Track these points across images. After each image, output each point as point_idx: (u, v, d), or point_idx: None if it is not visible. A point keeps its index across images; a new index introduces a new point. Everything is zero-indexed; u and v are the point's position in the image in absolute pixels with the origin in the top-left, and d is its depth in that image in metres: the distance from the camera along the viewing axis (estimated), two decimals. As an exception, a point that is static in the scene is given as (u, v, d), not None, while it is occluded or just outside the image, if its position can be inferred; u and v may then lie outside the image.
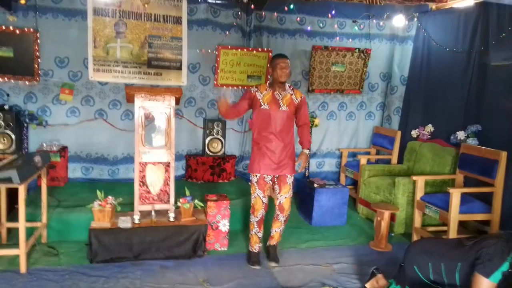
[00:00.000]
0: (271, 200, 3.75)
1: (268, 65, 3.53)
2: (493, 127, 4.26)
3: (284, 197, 3.57)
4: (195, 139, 5.44)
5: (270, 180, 3.56)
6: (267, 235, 3.78)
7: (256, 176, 3.54)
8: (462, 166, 4.21)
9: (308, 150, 3.62)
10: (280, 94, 3.50)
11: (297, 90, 3.61)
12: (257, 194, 3.56)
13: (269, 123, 3.46)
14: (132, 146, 4.23)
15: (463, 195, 3.78)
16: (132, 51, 4.97)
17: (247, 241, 4.07)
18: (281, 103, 3.48)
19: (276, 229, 3.68)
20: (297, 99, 3.54)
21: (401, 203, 4.37)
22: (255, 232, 3.62)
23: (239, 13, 5.24)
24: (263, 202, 3.57)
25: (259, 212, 3.59)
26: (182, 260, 3.60)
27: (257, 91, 3.52)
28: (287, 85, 3.56)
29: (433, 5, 5.27)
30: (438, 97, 5.04)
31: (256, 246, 3.65)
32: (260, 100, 3.48)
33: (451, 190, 3.68)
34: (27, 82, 4.70)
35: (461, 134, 4.49)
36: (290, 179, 3.57)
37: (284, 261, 3.68)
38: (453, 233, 3.70)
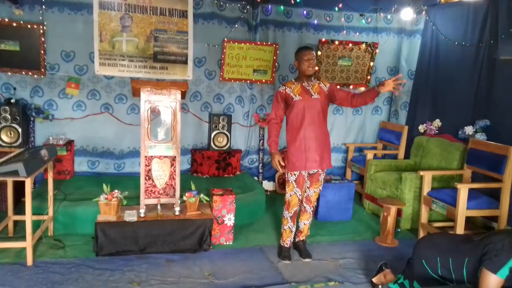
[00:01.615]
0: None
1: (295, 59, 3.47)
2: (502, 122, 4.21)
3: (314, 191, 3.57)
4: (200, 134, 5.44)
5: (304, 175, 3.51)
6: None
7: (295, 174, 3.47)
8: (470, 161, 4.17)
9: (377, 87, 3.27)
10: (309, 85, 3.45)
11: (323, 79, 3.55)
12: (295, 192, 3.51)
13: (304, 115, 3.40)
14: (138, 140, 4.23)
15: (471, 191, 3.74)
16: (138, 45, 4.96)
17: (253, 236, 4.08)
18: (312, 92, 3.43)
19: (305, 222, 3.67)
20: (326, 86, 3.49)
21: (407, 198, 4.34)
22: (289, 227, 3.62)
23: (245, 6, 5.20)
24: (299, 199, 3.55)
25: (294, 208, 3.56)
26: (187, 254, 3.60)
27: (286, 88, 3.47)
28: (312, 77, 3.51)
29: (441, -2, 5.21)
30: (446, 91, 4.99)
31: (288, 241, 3.64)
32: (291, 94, 3.43)
33: (458, 186, 3.64)
34: (33, 76, 4.72)
35: (469, 129, 4.44)
36: (322, 175, 3.55)
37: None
38: (460, 229, 3.66)
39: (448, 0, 5.13)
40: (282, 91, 3.48)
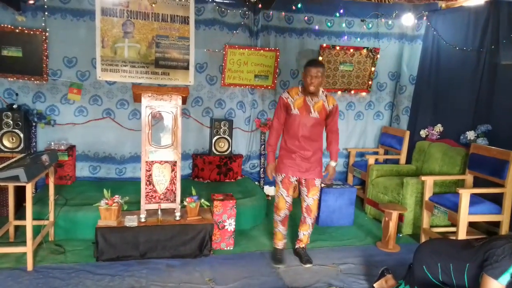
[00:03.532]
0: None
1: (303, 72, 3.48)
2: (504, 127, 4.20)
3: (312, 199, 3.56)
4: (202, 139, 5.44)
5: (296, 180, 3.55)
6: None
7: (281, 175, 3.52)
8: (471, 166, 4.15)
9: (335, 163, 3.58)
10: (312, 100, 3.43)
11: (330, 97, 3.52)
12: (281, 194, 3.55)
13: (298, 129, 3.43)
14: (139, 145, 4.24)
15: (473, 196, 3.73)
16: (140, 51, 4.98)
17: (253, 241, 4.06)
18: (312, 109, 3.42)
19: (304, 232, 3.68)
20: (329, 106, 3.47)
21: (409, 203, 4.32)
22: (279, 230, 3.64)
23: (247, 12, 5.23)
24: (286, 202, 3.55)
25: (282, 211, 3.58)
26: (188, 259, 3.59)
27: (288, 97, 3.46)
28: (321, 90, 3.48)
29: (442, 4, 5.21)
30: (448, 96, 4.98)
31: (280, 243, 3.66)
32: (291, 105, 3.43)
33: (460, 191, 3.63)
34: (35, 82, 4.74)
35: (471, 134, 4.43)
36: (318, 182, 3.56)
37: (290, 261, 3.66)
38: (462, 234, 3.64)
39: (449, 5, 5.14)
40: (285, 99, 3.48)
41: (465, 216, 3.64)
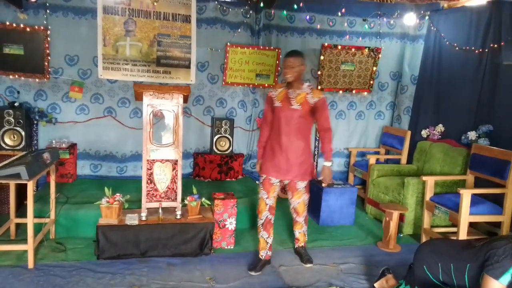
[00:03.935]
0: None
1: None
2: (505, 127, 4.19)
3: (297, 202, 3.50)
4: (203, 138, 5.45)
5: (278, 183, 3.43)
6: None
7: (263, 176, 3.46)
8: (473, 166, 4.15)
9: (330, 163, 3.36)
10: (294, 92, 3.29)
11: (317, 90, 3.36)
12: (261, 196, 3.47)
13: (280, 123, 3.29)
14: (140, 143, 4.23)
15: (474, 196, 3.72)
16: (141, 50, 4.98)
17: (254, 240, 4.06)
18: (293, 101, 3.27)
19: (299, 230, 3.65)
20: (313, 99, 3.25)
21: (410, 203, 4.32)
22: (261, 236, 3.52)
23: (249, 11, 5.23)
24: (266, 204, 3.45)
25: (262, 213, 3.48)
26: (188, 258, 3.59)
27: (272, 91, 3.43)
28: (306, 84, 3.36)
29: (444, 4, 5.20)
30: (449, 96, 4.97)
31: (262, 252, 3.48)
32: (274, 99, 3.36)
33: (461, 191, 3.62)
34: (37, 80, 4.75)
35: (472, 134, 4.43)
36: (301, 184, 3.42)
37: (290, 260, 3.66)
38: (463, 235, 3.64)
39: (451, 5, 5.13)
40: (269, 93, 3.45)
41: (466, 217, 3.63)
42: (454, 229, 3.88)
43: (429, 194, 4.08)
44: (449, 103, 4.98)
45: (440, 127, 4.99)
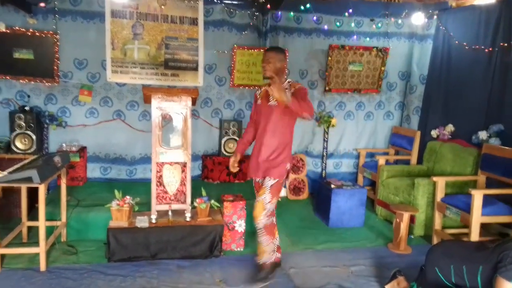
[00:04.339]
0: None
1: None
2: (517, 126, 4.14)
3: (257, 200, 3.14)
4: (211, 140, 5.45)
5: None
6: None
7: (252, 179, 3.31)
8: (484, 167, 4.11)
9: (288, 100, 2.83)
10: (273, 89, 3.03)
11: (295, 83, 3.17)
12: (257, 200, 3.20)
13: (260, 120, 3.19)
14: (149, 146, 4.26)
15: (485, 197, 3.67)
16: (149, 53, 5.01)
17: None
18: (271, 98, 3.11)
19: (258, 240, 3.21)
20: (290, 92, 3.04)
21: (420, 204, 4.28)
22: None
23: (255, 13, 5.23)
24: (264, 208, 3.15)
25: (260, 217, 3.17)
26: (198, 260, 3.60)
27: (257, 89, 3.34)
28: (287, 80, 3.20)
29: (453, 3, 5.16)
30: (459, 96, 4.93)
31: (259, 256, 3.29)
32: (258, 97, 3.27)
33: (473, 192, 3.59)
34: (47, 84, 4.79)
35: (483, 134, 4.38)
36: (269, 182, 3.11)
37: (300, 262, 3.65)
38: (475, 236, 3.60)
39: (460, 4, 5.09)
40: (256, 92, 3.35)
41: (477, 218, 3.59)
42: (465, 230, 3.84)
43: (440, 195, 4.04)
44: (459, 102, 4.93)
45: (450, 127, 4.95)
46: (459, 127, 4.89)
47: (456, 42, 4.93)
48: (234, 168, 3.35)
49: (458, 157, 4.49)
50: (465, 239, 3.68)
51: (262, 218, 3.08)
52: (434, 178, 4.06)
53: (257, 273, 3.23)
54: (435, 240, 4.03)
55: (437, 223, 4.07)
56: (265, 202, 3.08)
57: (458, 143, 4.68)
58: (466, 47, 4.78)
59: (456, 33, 4.98)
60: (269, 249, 3.18)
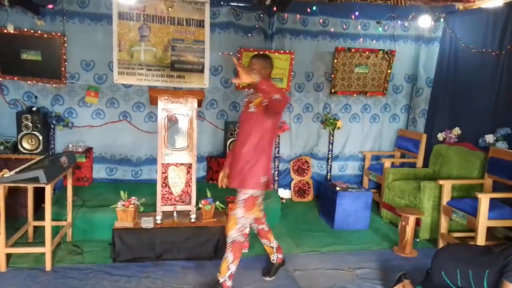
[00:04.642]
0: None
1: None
2: (524, 130, 4.11)
3: (230, 213, 3.08)
4: (216, 141, 5.46)
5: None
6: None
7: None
8: (491, 170, 4.08)
9: (256, 79, 2.68)
10: (254, 95, 3.05)
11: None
12: None
13: (240, 128, 3.11)
14: (155, 147, 4.28)
15: (492, 201, 3.65)
16: (156, 54, 5.03)
17: (268, 244, 4.05)
18: (251, 104, 3.02)
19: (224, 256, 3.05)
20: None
21: (426, 207, 4.26)
22: (264, 243, 3.41)
23: (262, 15, 5.24)
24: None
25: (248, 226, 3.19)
26: (203, 261, 3.60)
27: (246, 97, 3.20)
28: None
29: (460, 5, 5.15)
30: (466, 99, 4.90)
31: (272, 256, 3.39)
32: (243, 105, 3.17)
33: (479, 195, 3.56)
34: (54, 85, 4.83)
35: (489, 137, 4.35)
36: (242, 196, 2.96)
37: (305, 264, 3.64)
38: (481, 240, 3.58)
39: (467, 7, 5.07)
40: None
41: (484, 221, 3.57)
42: (472, 234, 3.81)
43: (446, 198, 4.02)
44: (465, 105, 4.90)
45: (456, 130, 4.92)
46: (465, 130, 4.86)
47: (463, 45, 4.91)
48: (223, 183, 3.23)
49: (464, 161, 4.47)
50: (471, 243, 3.65)
51: (233, 232, 2.94)
52: (441, 181, 4.04)
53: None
54: (441, 244, 4.01)
55: (443, 226, 4.05)
56: (237, 217, 2.94)
57: (464, 146, 4.65)
58: (473, 50, 4.76)
59: (463, 36, 4.96)
60: (232, 269, 2.98)
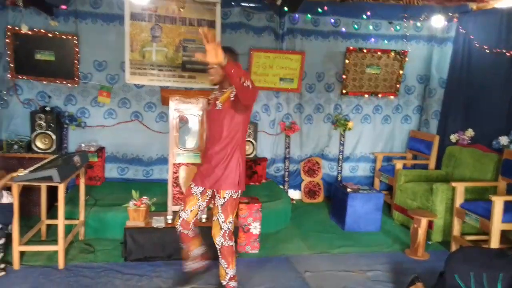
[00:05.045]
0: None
1: None
2: (540, 132, 4.04)
3: (213, 219, 2.94)
4: (227, 142, 5.46)
5: (200, 193, 2.96)
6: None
7: (191, 184, 3.01)
8: (505, 172, 4.02)
9: (223, 61, 2.40)
10: (220, 92, 2.91)
11: None
12: (180, 207, 3.05)
13: (208, 126, 2.99)
14: (166, 147, 4.30)
15: (506, 203, 3.60)
16: (167, 55, 5.06)
17: (278, 245, 4.05)
18: (218, 102, 2.88)
19: (220, 262, 2.99)
20: (234, 91, 2.71)
21: (439, 210, 4.21)
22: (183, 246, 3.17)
23: (273, 16, 5.24)
24: (179, 217, 3.00)
25: (176, 225, 3.05)
26: (213, 261, 3.60)
27: (211, 94, 3.06)
28: None
29: (473, 5, 5.08)
30: (479, 100, 4.84)
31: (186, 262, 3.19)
32: (208, 102, 3.07)
33: (493, 198, 3.51)
34: (67, 85, 4.88)
35: (504, 139, 4.29)
36: (220, 201, 2.85)
37: (316, 266, 3.62)
38: (495, 243, 3.53)
39: (481, 7, 5.00)
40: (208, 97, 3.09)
41: (498, 224, 3.52)
42: (485, 237, 3.76)
43: (459, 201, 3.97)
44: (479, 107, 4.84)
45: (470, 132, 4.86)
46: (479, 131, 4.80)
47: (477, 45, 4.85)
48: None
49: (478, 163, 4.41)
50: (484, 246, 3.61)
51: (219, 239, 2.89)
52: (453, 184, 3.99)
53: None
54: (453, 247, 3.96)
55: (456, 229, 4.00)
56: (220, 222, 2.87)
57: (478, 148, 4.59)
58: (487, 51, 4.70)
59: (477, 36, 4.90)
60: (230, 273, 2.97)
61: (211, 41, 2.40)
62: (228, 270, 2.95)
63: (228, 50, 2.70)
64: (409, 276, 3.12)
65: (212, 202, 2.99)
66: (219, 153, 2.84)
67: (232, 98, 2.75)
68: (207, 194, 2.98)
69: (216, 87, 2.96)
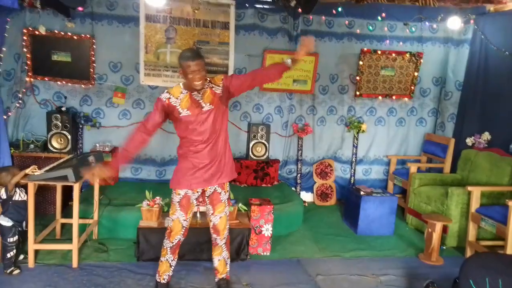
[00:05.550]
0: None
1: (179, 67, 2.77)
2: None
3: (219, 216, 2.97)
4: (239, 143, 5.47)
5: (195, 199, 2.95)
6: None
7: (180, 194, 2.89)
8: (523, 177, 3.94)
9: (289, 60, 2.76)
10: (199, 93, 2.79)
11: (215, 78, 2.86)
12: (178, 217, 2.90)
13: (194, 132, 2.80)
14: (179, 148, 4.31)
15: (524, 209, 3.52)
16: (181, 56, 5.08)
17: (290, 247, 4.03)
18: (202, 103, 2.79)
19: (219, 257, 3.07)
20: (219, 87, 2.80)
21: (454, 214, 4.15)
22: (167, 259, 3.01)
23: (287, 17, 5.23)
24: (183, 227, 2.94)
25: (175, 237, 2.95)
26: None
27: (169, 97, 2.79)
28: (207, 80, 2.84)
29: (491, 7, 5.00)
30: (497, 103, 4.75)
31: (165, 276, 3.05)
32: (178, 108, 2.78)
33: (510, 203, 3.44)
34: (83, 86, 4.95)
35: (522, 143, 4.20)
36: (224, 196, 2.96)
37: (328, 270, 3.60)
38: (511, 249, 3.45)
39: (498, 9, 4.92)
40: (165, 100, 2.79)
41: (515, 230, 3.45)
42: (501, 243, 3.68)
43: (474, 206, 3.90)
44: (496, 110, 4.75)
45: (486, 135, 4.77)
46: (496, 135, 4.71)
47: (494, 47, 4.76)
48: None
49: (494, 167, 4.33)
50: (500, 252, 3.54)
51: (226, 232, 3.06)
52: (469, 188, 3.92)
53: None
54: (468, 252, 3.89)
55: (471, 234, 3.93)
56: (227, 215, 3.04)
57: (494, 152, 4.51)
58: (505, 53, 4.61)
59: (494, 39, 4.81)
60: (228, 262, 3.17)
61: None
62: (228, 260, 3.14)
63: (201, 57, 2.77)
64: (423, 281, 3.09)
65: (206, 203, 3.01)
66: (218, 147, 2.90)
67: (220, 94, 2.83)
68: (200, 200, 3.04)
69: (186, 92, 2.80)
